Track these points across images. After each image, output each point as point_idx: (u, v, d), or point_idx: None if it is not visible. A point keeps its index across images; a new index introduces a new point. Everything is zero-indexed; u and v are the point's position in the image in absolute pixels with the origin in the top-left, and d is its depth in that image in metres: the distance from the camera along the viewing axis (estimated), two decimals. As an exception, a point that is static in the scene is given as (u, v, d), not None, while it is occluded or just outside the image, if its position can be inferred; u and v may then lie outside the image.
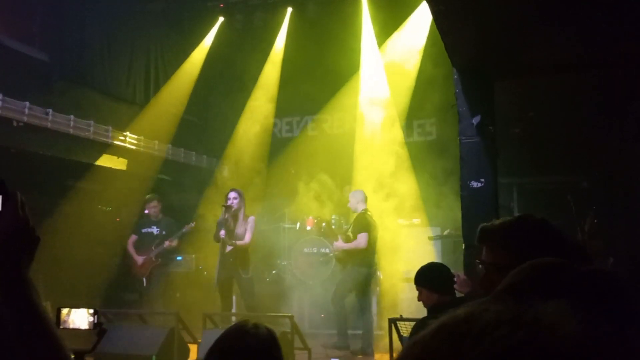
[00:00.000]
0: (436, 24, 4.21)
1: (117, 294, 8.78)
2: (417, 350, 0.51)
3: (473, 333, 0.47)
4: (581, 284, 1.11)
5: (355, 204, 7.54)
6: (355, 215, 7.55)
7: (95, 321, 2.57)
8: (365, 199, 7.56)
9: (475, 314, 0.50)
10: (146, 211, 8.33)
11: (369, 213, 7.44)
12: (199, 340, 6.16)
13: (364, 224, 7.27)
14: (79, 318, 2.57)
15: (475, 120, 4.92)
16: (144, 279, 8.08)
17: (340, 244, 7.38)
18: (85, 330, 2.61)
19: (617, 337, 0.47)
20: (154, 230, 8.25)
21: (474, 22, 4.14)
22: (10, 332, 0.91)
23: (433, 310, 3.34)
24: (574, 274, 1.15)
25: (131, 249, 8.21)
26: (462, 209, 4.97)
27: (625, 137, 6.60)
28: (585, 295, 1.07)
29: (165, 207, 8.50)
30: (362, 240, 7.15)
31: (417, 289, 3.55)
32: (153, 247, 8.08)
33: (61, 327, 2.55)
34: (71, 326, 2.55)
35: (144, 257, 8.11)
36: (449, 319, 0.51)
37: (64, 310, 2.60)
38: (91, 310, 2.56)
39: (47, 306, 7.50)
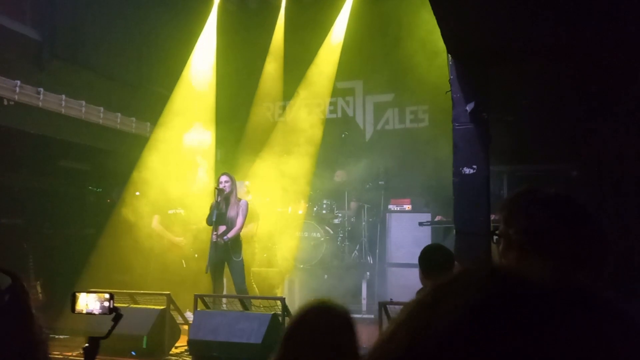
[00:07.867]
0: (432, 8, 4.19)
1: (107, 275, 8.77)
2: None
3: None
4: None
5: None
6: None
7: (111, 306, 2.52)
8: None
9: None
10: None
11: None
12: (190, 321, 6.19)
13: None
14: (93, 303, 2.53)
15: (469, 107, 4.92)
16: None
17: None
18: (99, 315, 2.55)
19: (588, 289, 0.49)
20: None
21: (469, 7, 4.13)
22: None
23: (418, 292, 3.35)
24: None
25: None
26: (454, 195, 4.98)
27: (616, 126, 6.64)
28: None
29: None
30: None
31: None
32: None
33: (75, 312, 2.51)
34: (85, 311, 2.50)
35: None
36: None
37: (79, 295, 2.55)
38: (107, 295, 2.51)
39: (37, 286, 7.50)
